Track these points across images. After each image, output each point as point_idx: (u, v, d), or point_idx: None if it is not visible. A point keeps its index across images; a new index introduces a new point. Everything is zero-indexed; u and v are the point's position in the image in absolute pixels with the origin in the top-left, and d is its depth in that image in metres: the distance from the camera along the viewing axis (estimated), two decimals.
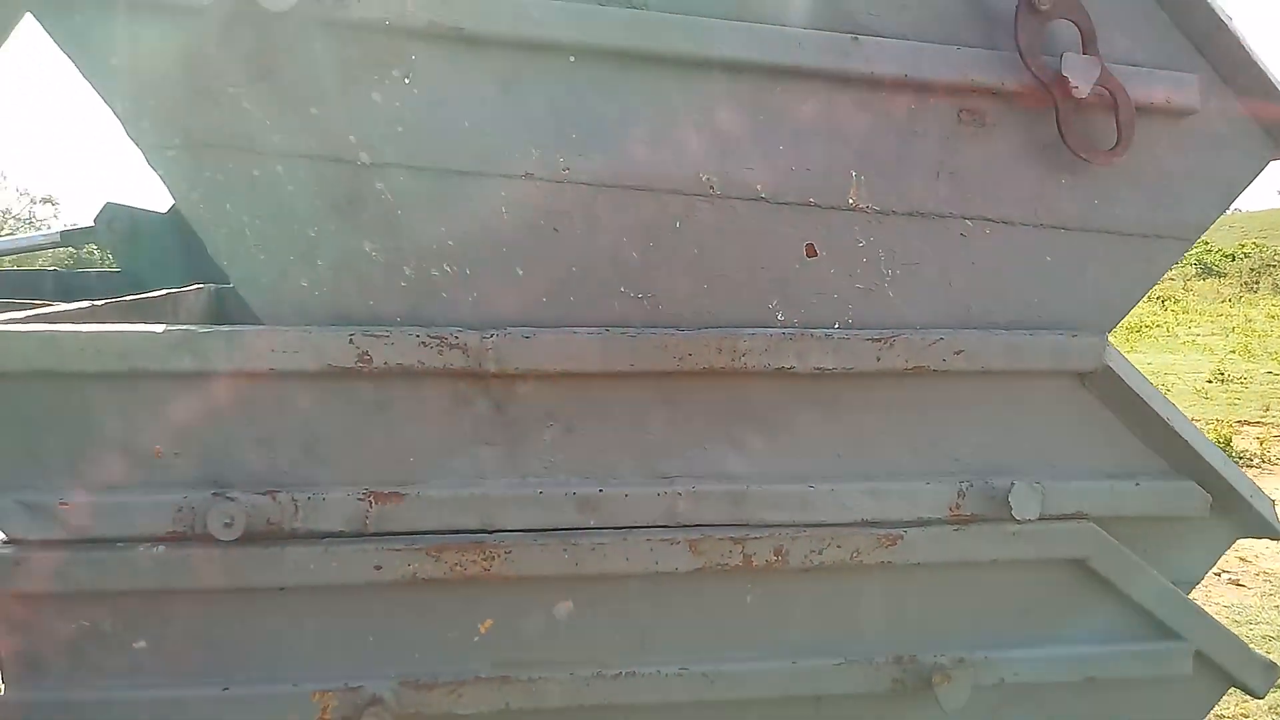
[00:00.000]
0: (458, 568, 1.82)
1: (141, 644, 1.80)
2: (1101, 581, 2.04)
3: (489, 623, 1.90)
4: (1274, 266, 32.22)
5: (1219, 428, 9.32)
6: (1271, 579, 5.80)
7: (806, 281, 1.89)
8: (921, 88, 1.87)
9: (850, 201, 1.89)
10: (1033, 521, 1.95)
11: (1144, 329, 20.04)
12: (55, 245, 4.79)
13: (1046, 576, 2.04)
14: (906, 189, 1.90)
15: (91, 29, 1.61)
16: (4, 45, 1.62)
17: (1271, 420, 10.47)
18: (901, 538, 1.94)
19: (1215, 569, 5.73)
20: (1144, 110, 1.92)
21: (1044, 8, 1.82)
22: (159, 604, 1.78)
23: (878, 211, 1.90)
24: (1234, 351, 16.14)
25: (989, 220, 1.94)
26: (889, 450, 1.96)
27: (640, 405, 1.87)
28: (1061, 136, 1.88)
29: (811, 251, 1.89)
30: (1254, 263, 33.71)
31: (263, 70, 1.65)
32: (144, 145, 1.67)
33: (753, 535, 1.90)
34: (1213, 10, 1.93)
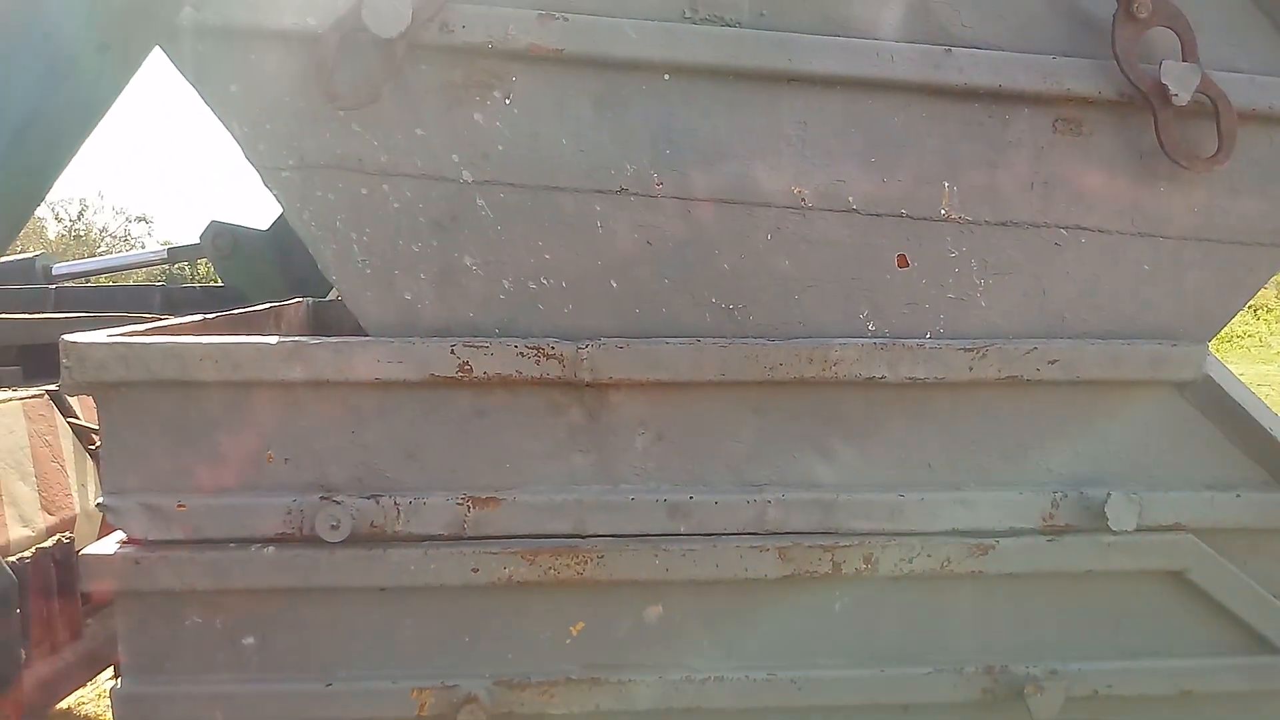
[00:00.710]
0: (551, 571, 1.87)
1: (250, 640, 1.89)
2: (1200, 594, 2.01)
3: (580, 625, 1.95)
4: None
5: None
6: None
7: (898, 291, 1.91)
8: (1015, 97, 1.87)
9: (942, 212, 1.90)
10: (1129, 533, 1.94)
11: (1235, 338, 19.40)
12: (164, 261, 5.02)
13: (1143, 588, 2.02)
14: (999, 199, 1.91)
15: (213, 58, 1.71)
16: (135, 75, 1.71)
17: None
18: (994, 547, 1.94)
19: None
20: (1245, 117, 1.90)
21: (1142, 15, 1.81)
22: (267, 602, 1.87)
23: (970, 221, 1.91)
24: None
25: (1084, 229, 1.94)
26: (981, 459, 1.96)
27: (730, 414, 1.91)
28: (1160, 144, 1.87)
29: (903, 262, 1.91)
30: None
31: (371, 92, 1.72)
32: (260, 166, 1.76)
33: (842, 543, 1.92)
34: None
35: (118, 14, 1.57)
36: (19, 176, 1.55)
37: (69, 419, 2.27)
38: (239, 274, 3.97)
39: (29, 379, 2.43)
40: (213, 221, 4.05)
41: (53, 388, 2.30)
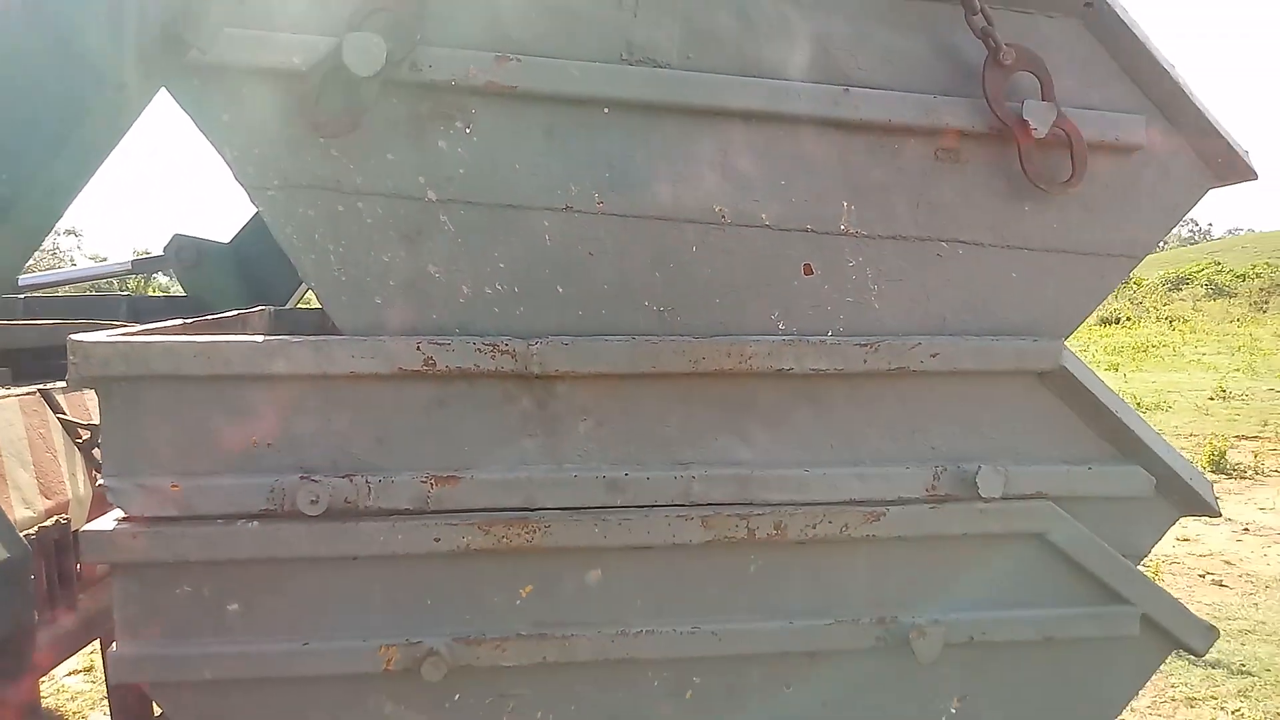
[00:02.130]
0: (504, 540, 2.12)
1: (234, 606, 2.10)
2: (1059, 553, 2.34)
3: (529, 588, 2.19)
4: None
5: (1214, 441, 9.58)
6: (1253, 580, 6.14)
7: (804, 296, 2.20)
8: (903, 130, 2.17)
9: (842, 227, 2.19)
10: (997, 500, 2.26)
11: (1151, 348, 20.33)
12: (129, 273, 5.12)
13: (1010, 548, 2.34)
14: (890, 216, 2.21)
15: (208, 92, 1.92)
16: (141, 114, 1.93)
17: (1269, 435, 10.79)
18: (884, 514, 2.24)
19: (1200, 571, 6.13)
20: (1096, 147, 2.22)
21: (1007, 62, 2.13)
22: (251, 572, 2.08)
23: (865, 235, 2.20)
24: (1238, 369, 16.42)
25: (961, 242, 2.25)
26: (874, 439, 2.26)
27: (661, 402, 2.18)
28: (1023, 170, 2.19)
29: (808, 270, 2.20)
30: (1265, 283, 33.95)
31: (349, 122, 1.96)
32: (248, 186, 1.98)
33: (756, 513, 2.20)
34: (1157, 61, 2.23)
35: (136, 57, 1.78)
36: (43, 197, 1.75)
37: (58, 415, 2.46)
38: (201, 284, 4.14)
39: (17, 380, 2.61)
40: (176, 235, 4.20)
41: (42, 387, 2.49)
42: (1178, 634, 2.45)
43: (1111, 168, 2.27)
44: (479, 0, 2.02)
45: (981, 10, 2.10)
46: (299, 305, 4.33)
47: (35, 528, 2.10)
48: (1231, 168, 2.32)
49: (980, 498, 2.25)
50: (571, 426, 2.15)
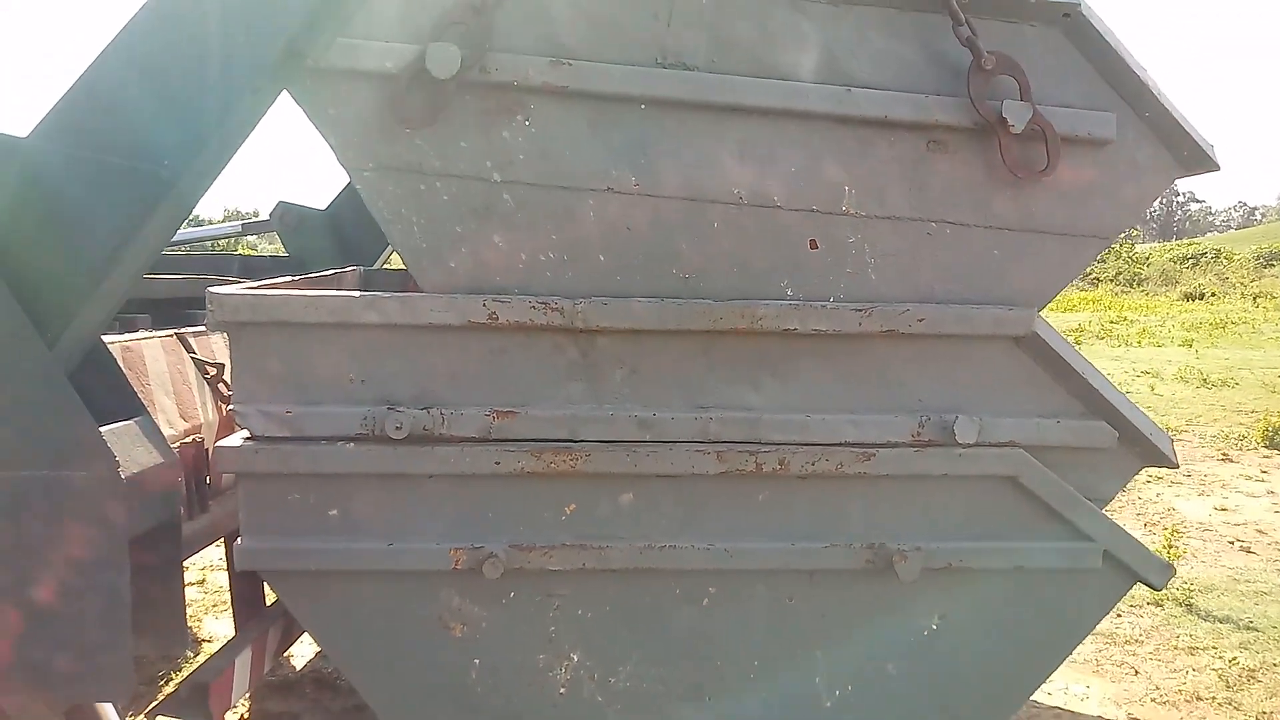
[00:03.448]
0: (552, 465, 2.55)
1: (334, 511, 2.56)
2: (1029, 494, 2.68)
3: (573, 506, 2.62)
4: None
5: (1269, 418, 9.53)
6: None
7: (809, 267, 2.57)
8: (898, 124, 2.52)
9: (843, 209, 2.55)
10: (973, 446, 2.61)
11: (1230, 325, 19.82)
12: (238, 234, 5.67)
13: (986, 488, 2.69)
14: (886, 199, 2.56)
15: (318, 90, 2.37)
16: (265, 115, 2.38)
17: None
18: (874, 455, 2.61)
19: (1231, 538, 6.30)
20: (1070, 140, 2.54)
21: (989, 67, 2.46)
22: (347, 484, 2.54)
23: (864, 216, 2.56)
24: None
25: (949, 223, 2.59)
26: (867, 391, 2.63)
27: (685, 355, 2.57)
28: (1004, 161, 2.51)
29: (813, 245, 2.57)
30: None
31: (430, 116, 2.38)
32: (349, 168, 2.44)
33: (764, 450, 2.59)
34: (1128, 64, 2.54)
35: (270, 65, 2.23)
36: (195, 179, 2.21)
37: (190, 355, 2.96)
38: (301, 246, 4.67)
39: (155, 325, 3.12)
40: (280, 202, 4.74)
41: (178, 331, 3.00)
42: (1136, 569, 2.78)
43: (1085, 159, 2.58)
44: (537, 14, 2.42)
45: (966, 21, 2.43)
46: (384, 266, 4.83)
47: (176, 444, 2.59)
48: (1196, 159, 2.61)
49: (957, 443, 2.60)
50: (609, 373, 2.56)
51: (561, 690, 2.70)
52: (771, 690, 2.76)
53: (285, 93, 2.38)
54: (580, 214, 2.50)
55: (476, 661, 2.66)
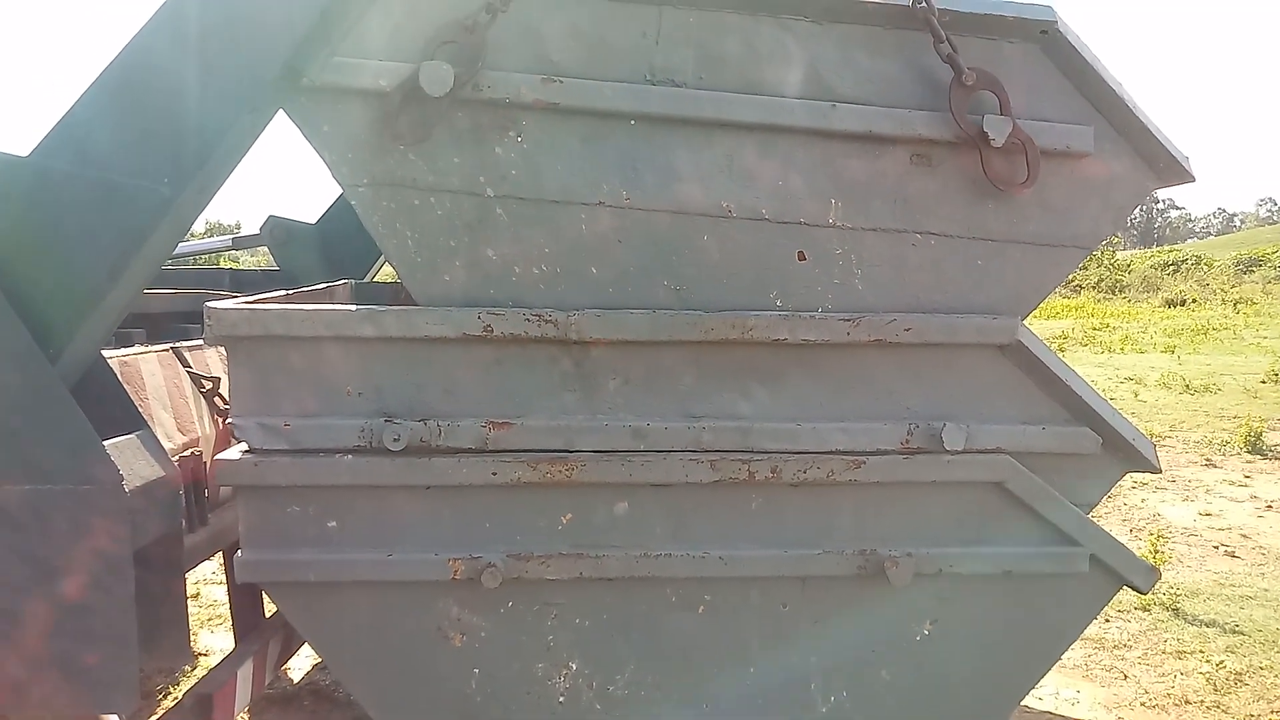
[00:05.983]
0: (548, 475, 2.58)
1: (332, 523, 2.58)
2: (1015, 499, 2.73)
3: (569, 515, 2.66)
4: None
5: (1251, 424, 9.65)
6: (1265, 553, 6.36)
7: (797, 278, 2.62)
8: (882, 139, 2.58)
9: (830, 221, 2.61)
10: (961, 453, 2.66)
11: (1212, 331, 20.02)
12: (228, 249, 5.69)
13: (974, 494, 2.73)
14: (871, 211, 2.61)
15: (313, 108, 2.41)
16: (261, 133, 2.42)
17: None
18: (864, 463, 2.66)
19: (1215, 543, 6.37)
20: (1049, 154, 2.60)
21: (970, 83, 2.52)
22: (346, 495, 2.57)
23: (850, 228, 2.61)
24: None
25: (933, 234, 2.65)
26: (856, 399, 2.68)
27: (677, 365, 2.62)
28: (985, 174, 2.58)
29: (802, 257, 2.62)
30: None
31: (423, 132, 2.43)
32: (343, 183, 2.48)
33: (755, 458, 2.64)
34: (1104, 79, 2.60)
35: (268, 83, 2.28)
36: (194, 194, 2.25)
37: (186, 369, 2.99)
38: (291, 260, 4.70)
39: (150, 339, 3.15)
40: (270, 217, 4.77)
41: (174, 345, 3.03)
42: (1123, 572, 2.83)
43: (1064, 171, 2.65)
44: (528, 33, 2.47)
45: (947, 39, 2.49)
46: (375, 279, 4.86)
47: (175, 458, 2.62)
48: (1172, 171, 2.68)
49: (945, 450, 2.65)
50: (603, 384, 2.61)
51: (560, 699, 2.73)
52: (766, 696, 2.80)
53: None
54: (572, 228, 2.54)
55: (476, 671, 2.69)
